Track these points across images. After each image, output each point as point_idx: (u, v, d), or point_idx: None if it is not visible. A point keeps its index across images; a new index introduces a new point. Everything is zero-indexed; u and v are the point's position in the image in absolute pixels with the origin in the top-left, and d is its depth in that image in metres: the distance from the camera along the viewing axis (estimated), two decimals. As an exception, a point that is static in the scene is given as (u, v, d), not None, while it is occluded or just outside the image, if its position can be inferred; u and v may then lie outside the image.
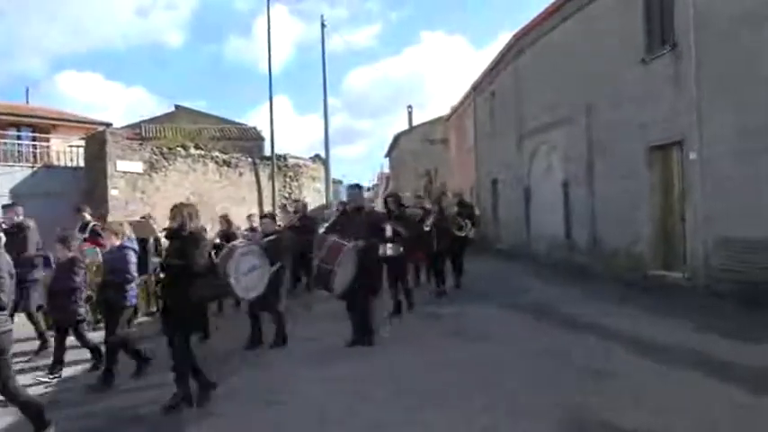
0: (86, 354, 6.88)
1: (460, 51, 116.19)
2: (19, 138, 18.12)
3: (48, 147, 17.39)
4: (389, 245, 8.46)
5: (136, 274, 6.69)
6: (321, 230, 8.30)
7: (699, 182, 10.01)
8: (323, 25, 24.03)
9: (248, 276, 6.40)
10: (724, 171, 9.47)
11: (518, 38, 17.87)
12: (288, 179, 20.14)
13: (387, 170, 54.41)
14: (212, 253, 7.21)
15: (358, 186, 8.79)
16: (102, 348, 6.53)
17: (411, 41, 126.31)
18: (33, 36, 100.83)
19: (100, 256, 7.79)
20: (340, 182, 52.87)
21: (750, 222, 8.90)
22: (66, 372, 6.68)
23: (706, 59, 9.80)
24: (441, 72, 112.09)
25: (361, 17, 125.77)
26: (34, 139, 17.74)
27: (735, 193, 9.24)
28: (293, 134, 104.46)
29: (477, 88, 24.01)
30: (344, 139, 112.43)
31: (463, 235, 11.52)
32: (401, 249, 8.59)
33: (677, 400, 4.80)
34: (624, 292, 10.47)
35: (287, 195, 19.81)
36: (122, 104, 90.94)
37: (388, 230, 8.43)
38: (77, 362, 6.98)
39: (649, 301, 9.41)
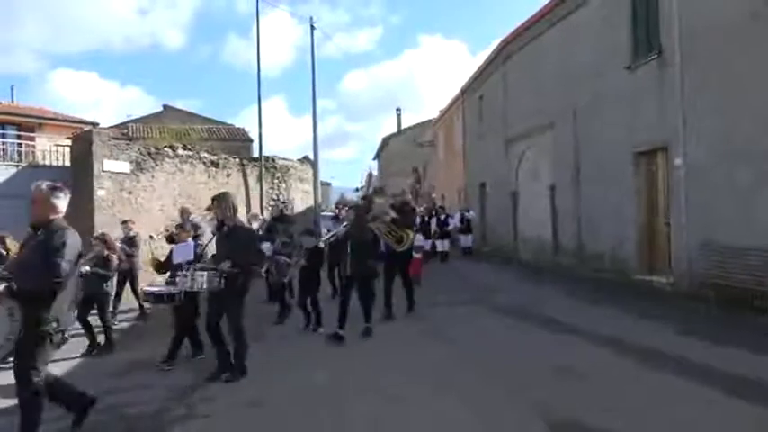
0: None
1: (457, 55, 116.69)
2: (3, 136, 17.94)
3: (33, 146, 17.23)
4: (199, 274, 5.97)
5: None
6: None
7: (683, 187, 10.13)
8: (312, 27, 24.00)
9: None
10: (708, 177, 9.60)
11: (506, 43, 18.00)
12: (276, 180, 20.11)
13: (373, 171, 54.21)
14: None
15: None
16: None
17: (410, 45, 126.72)
18: (32, 35, 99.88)
19: None
20: (328, 184, 52.74)
21: (734, 228, 9.01)
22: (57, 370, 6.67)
23: (691, 67, 9.92)
24: (437, 75, 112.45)
25: (363, 20, 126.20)
26: (19, 137, 17.58)
27: (719, 199, 9.36)
28: (287, 135, 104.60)
29: (465, 92, 24.12)
30: (338, 142, 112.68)
31: (403, 250, 8.73)
32: (219, 283, 5.84)
33: (654, 402, 4.86)
34: (609, 295, 10.57)
35: (275, 197, 19.77)
36: (116, 104, 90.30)
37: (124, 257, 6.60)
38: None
39: (633, 304, 9.50)
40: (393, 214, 8.68)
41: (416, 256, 12.34)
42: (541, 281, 12.93)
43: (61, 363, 7.03)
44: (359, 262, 7.71)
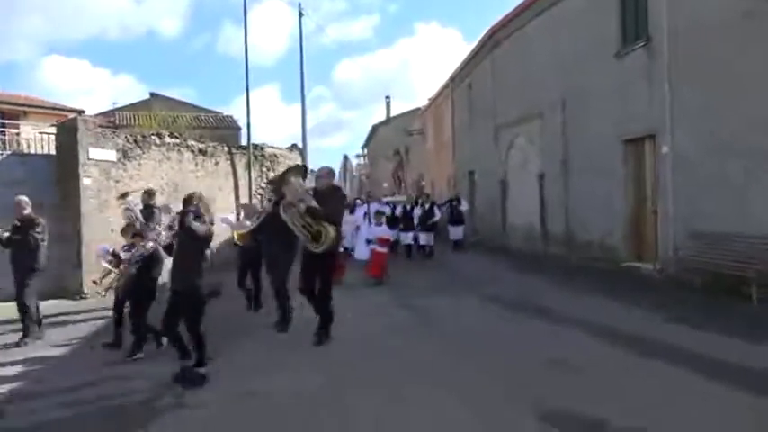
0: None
1: (453, 44, 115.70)
2: (-15, 123, 17.60)
3: (18, 133, 16.96)
4: None
5: None
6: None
7: (670, 175, 10.20)
8: (300, 14, 23.79)
9: None
10: (695, 165, 9.66)
11: (495, 30, 17.93)
12: (264, 169, 19.96)
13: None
14: None
15: None
16: None
17: (406, 33, 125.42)
18: (30, 23, 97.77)
19: None
20: (317, 172, 52.06)
21: (720, 215, 9.10)
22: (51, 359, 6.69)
23: (679, 55, 9.95)
24: (432, 64, 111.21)
25: (360, 8, 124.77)
26: (3, 125, 17.31)
27: (705, 187, 9.44)
28: (279, 123, 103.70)
29: (454, 80, 24.05)
30: (331, 130, 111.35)
31: (320, 251, 6.53)
32: None
33: (645, 389, 4.90)
34: (597, 283, 10.62)
35: (263, 185, 19.64)
36: (108, 92, 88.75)
37: None
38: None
39: (622, 292, 9.55)
40: (310, 202, 6.52)
41: (380, 251, 11.59)
42: (531, 270, 12.96)
43: (44, 354, 7.01)
44: (180, 271, 5.78)
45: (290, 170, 7.08)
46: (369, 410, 4.77)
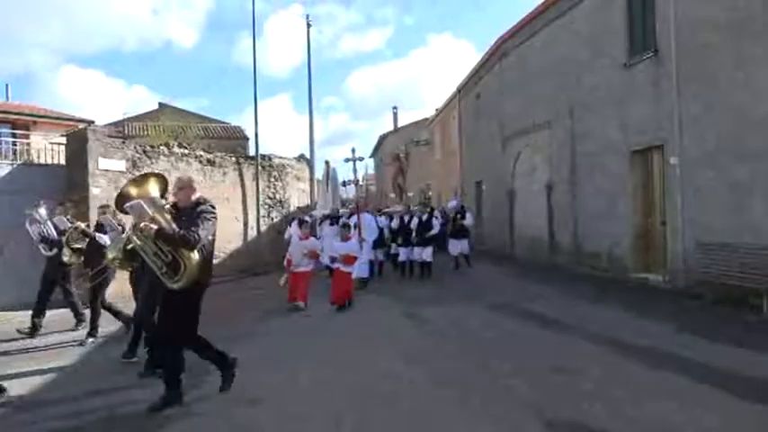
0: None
1: (465, 55, 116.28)
2: (-2, 134, 17.81)
3: (28, 144, 17.14)
4: None
5: None
6: None
7: (679, 186, 10.15)
8: (308, 25, 23.93)
9: None
10: (704, 175, 9.62)
11: (503, 41, 17.99)
12: (272, 179, 20.04)
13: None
14: None
15: None
16: None
17: (419, 44, 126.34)
18: (50, 36, 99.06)
19: None
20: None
21: (728, 227, 9.04)
22: (54, 368, 6.70)
23: (686, 65, 9.94)
24: (444, 75, 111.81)
25: (376, 20, 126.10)
26: (14, 135, 17.49)
27: (714, 198, 9.39)
28: (292, 133, 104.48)
29: (462, 90, 24.11)
30: (342, 140, 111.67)
31: (177, 288, 4.87)
32: None
33: (655, 401, 4.85)
34: (605, 293, 10.56)
35: (271, 195, 19.71)
36: (122, 102, 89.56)
37: None
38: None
39: (629, 302, 9.49)
40: (161, 219, 4.87)
41: (344, 270, 10.03)
42: (539, 280, 12.90)
43: (49, 363, 7.02)
44: None
45: (135, 180, 5.29)
46: (373, 416, 4.75)
